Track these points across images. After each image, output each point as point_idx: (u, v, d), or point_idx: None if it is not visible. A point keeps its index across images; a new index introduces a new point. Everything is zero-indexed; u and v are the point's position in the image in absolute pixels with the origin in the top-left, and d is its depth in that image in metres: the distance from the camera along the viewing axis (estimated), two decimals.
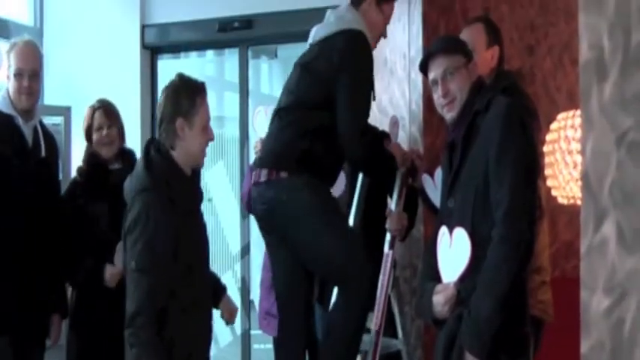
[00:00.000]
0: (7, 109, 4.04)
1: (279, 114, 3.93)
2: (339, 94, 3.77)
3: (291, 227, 3.79)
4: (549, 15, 5.32)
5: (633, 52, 2.06)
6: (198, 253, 3.48)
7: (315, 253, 3.79)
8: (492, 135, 3.07)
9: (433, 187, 3.89)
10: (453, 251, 3.03)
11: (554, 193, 4.40)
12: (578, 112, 3.88)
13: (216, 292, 3.74)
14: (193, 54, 7.53)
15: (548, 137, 4.33)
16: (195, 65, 7.76)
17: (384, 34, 4.05)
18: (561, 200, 4.41)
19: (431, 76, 3.33)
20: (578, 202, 3.77)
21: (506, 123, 3.08)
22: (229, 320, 3.83)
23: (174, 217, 3.30)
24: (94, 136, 4.25)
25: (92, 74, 6.59)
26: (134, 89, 6.58)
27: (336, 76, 3.78)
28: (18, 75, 4.04)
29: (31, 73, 4.06)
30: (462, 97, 3.25)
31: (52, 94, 6.65)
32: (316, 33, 3.95)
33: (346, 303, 3.73)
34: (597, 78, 2.14)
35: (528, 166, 3.10)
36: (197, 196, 3.55)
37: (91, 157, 4.26)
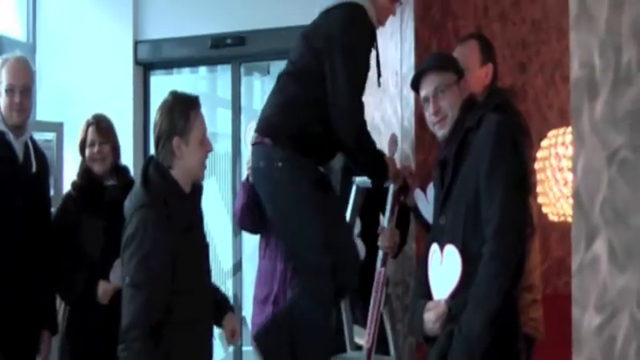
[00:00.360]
0: None
1: (279, 79, 3.96)
2: (332, 66, 3.69)
3: (265, 197, 3.86)
4: (541, 33, 5.34)
5: (624, 70, 2.07)
6: (197, 270, 3.47)
7: (281, 233, 3.89)
8: (483, 152, 3.08)
9: (425, 202, 3.89)
10: (444, 268, 3.03)
11: (545, 210, 4.40)
12: (569, 129, 3.89)
13: (220, 309, 3.70)
14: (186, 70, 7.53)
15: (539, 154, 4.34)
16: (187, 81, 7.75)
17: (382, 22, 3.98)
18: (552, 217, 4.42)
19: (422, 93, 3.35)
20: (569, 219, 3.78)
21: (497, 140, 3.09)
22: (230, 340, 3.80)
23: (171, 234, 3.29)
24: (87, 152, 4.25)
25: (85, 90, 6.58)
26: (127, 105, 6.58)
27: (330, 47, 3.71)
28: (9, 91, 4.03)
29: (22, 89, 4.06)
30: (453, 115, 3.26)
31: (44, 110, 6.64)
32: (321, 3, 3.92)
33: (303, 292, 3.79)
34: (588, 96, 2.15)
35: (519, 183, 3.10)
36: (197, 213, 3.54)
37: (85, 172, 4.25)
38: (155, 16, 6.70)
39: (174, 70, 7.31)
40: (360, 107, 3.75)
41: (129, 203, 3.40)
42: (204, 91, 8.07)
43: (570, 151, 3.92)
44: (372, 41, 3.85)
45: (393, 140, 4.20)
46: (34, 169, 4.14)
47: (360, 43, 3.79)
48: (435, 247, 3.11)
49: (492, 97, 3.60)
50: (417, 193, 3.96)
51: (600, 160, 2.11)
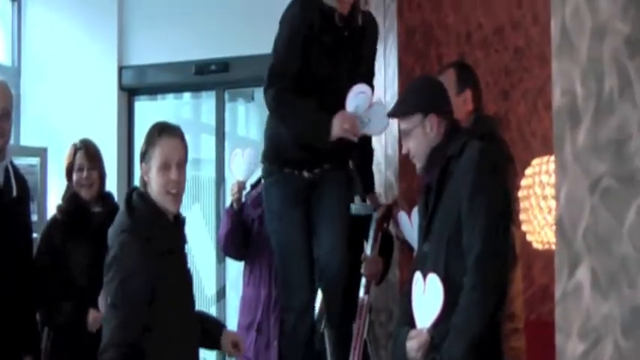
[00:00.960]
0: None
1: None
2: None
3: None
4: (524, 60, 5.38)
5: (606, 98, 2.09)
6: (179, 293, 3.46)
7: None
8: (465, 180, 3.09)
9: (409, 226, 3.90)
10: (427, 297, 3.02)
11: (529, 238, 4.41)
12: (553, 157, 3.91)
13: (215, 331, 3.65)
14: (170, 96, 7.52)
15: (523, 182, 4.35)
16: (171, 107, 7.75)
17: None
18: (536, 245, 4.43)
19: None
20: (553, 247, 3.78)
21: (478, 168, 3.09)
22: (237, 352, 3.74)
23: (151, 258, 3.28)
24: (75, 176, 4.23)
25: (69, 115, 6.57)
26: (111, 131, 6.57)
27: None
28: None
29: (1, 112, 4.02)
30: (421, 153, 3.28)
31: (28, 135, 6.63)
32: None
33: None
34: (570, 124, 2.16)
35: (500, 211, 3.11)
36: (179, 238, 3.53)
37: (72, 197, 4.23)
38: (140, 42, 6.71)
39: (159, 96, 7.30)
40: (273, 76, 3.92)
41: (112, 229, 3.40)
42: (189, 117, 8.06)
43: (554, 178, 3.94)
44: (308, 23, 3.91)
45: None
46: (14, 193, 4.11)
47: (285, 23, 3.96)
48: (418, 275, 3.10)
49: (478, 126, 3.61)
50: (401, 216, 3.96)
51: (583, 188, 2.12)
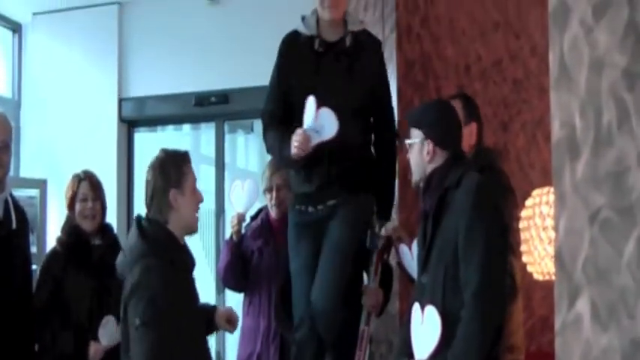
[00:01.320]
0: None
1: None
2: None
3: None
4: (522, 92, 5.41)
5: (605, 131, 2.10)
6: (197, 317, 3.51)
7: None
8: (462, 212, 3.09)
9: (410, 258, 3.89)
10: (425, 328, 3.01)
11: (529, 269, 4.41)
12: (553, 188, 3.92)
13: (207, 317, 3.71)
14: (170, 127, 7.55)
15: (523, 213, 4.36)
16: (171, 139, 7.76)
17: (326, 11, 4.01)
18: (537, 276, 4.42)
19: None
20: (554, 278, 3.78)
21: (475, 200, 3.09)
22: (231, 327, 3.78)
23: (175, 277, 3.32)
24: (77, 207, 4.20)
25: (69, 147, 6.60)
26: (111, 162, 6.59)
27: None
28: None
29: (1, 144, 4.02)
30: (415, 170, 3.30)
31: (28, 167, 6.65)
32: None
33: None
34: (569, 156, 2.17)
35: (497, 245, 3.10)
36: (191, 262, 3.56)
37: (72, 229, 4.20)
38: (140, 74, 6.75)
39: (159, 128, 7.33)
40: (265, 105, 4.12)
41: (122, 260, 3.41)
42: (188, 149, 8.08)
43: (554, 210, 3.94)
44: (288, 50, 4.08)
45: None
46: (14, 225, 4.10)
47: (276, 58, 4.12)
48: (416, 306, 3.10)
49: (479, 158, 3.61)
50: (402, 249, 3.96)
51: (582, 219, 2.12)
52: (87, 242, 4.18)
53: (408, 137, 3.35)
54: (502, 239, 3.17)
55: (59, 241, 4.22)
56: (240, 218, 4.47)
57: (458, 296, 3.05)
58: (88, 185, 4.23)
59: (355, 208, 3.96)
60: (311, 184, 3.96)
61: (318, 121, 3.82)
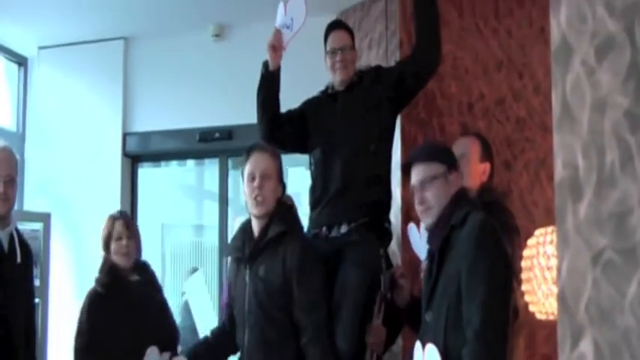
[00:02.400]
0: None
1: None
2: None
3: None
4: (526, 130, 5.41)
5: (607, 171, 2.10)
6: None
7: None
8: (466, 251, 3.08)
9: (418, 238, 3.91)
10: None
11: (532, 308, 4.38)
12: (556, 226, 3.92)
13: None
14: (174, 163, 7.57)
15: (526, 253, 4.33)
16: (175, 174, 7.80)
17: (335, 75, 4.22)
18: (540, 316, 4.39)
19: (411, 182, 3.37)
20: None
21: (478, 240, 3.08)
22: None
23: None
24: (114, 246, 4.23)
25: (73, 180, 6.61)
26: (114, 197, 6.58)
27: None
28: None
29: (6, 178, 4.04)
30: (439, 206, 3.26)
31: (32, 200, 6.66)
32: None
33: None
34: (572, 197, 2.17)
35: (500, 283, 3.08)
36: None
37: (110, 268, 4.23)
38: (144, 109, 6.77)
39: (162, 163, 7.35)
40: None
41: None
42: (192, 184, 8.10)
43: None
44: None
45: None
46: (18, 260, 4.11)
47: None
48: (418, 344, 3.09)
49: (483, 195, 3.62)
50: (411, 229, 3.98)
51: (584, 260, 2.12)
52: (125, 279, 4.20)
53: (420, 174, 3.33)
54: (505, 278, 3.15)
55: (99, 281, 4.23)
56: None
57: (460, 334, 3.04)
58: (122, 224, 4.26)
59: (365, 250, 3.98)
60: (319, 207, 4.07)
61: (288, 14, 3.96)
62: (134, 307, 4.09)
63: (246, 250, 3.86)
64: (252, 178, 3.82)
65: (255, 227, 3.87)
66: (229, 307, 4.07)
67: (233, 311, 3.96)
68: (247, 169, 3.85)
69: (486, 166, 4.02)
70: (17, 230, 4.18)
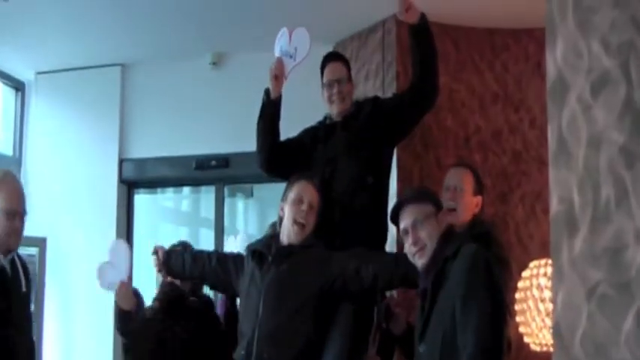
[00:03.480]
0: None
1: None
2: None
3: None
4: (522, 164, 5.43)
5: (603, 207, 2.11)
6: None
7: None
8: (459, 281, 3.10)
9: None
10: None
11: (526, 339, 4.40)
12: (550, 260, 3.93)
13: None
14: (170, 190, 7.57)
15: (520, 285, 4.36)
16: (171, 201, 7.78)
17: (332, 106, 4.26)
18: (534, 347, 4.41)
19: (402, 225, 3.39)
20: (551, 349, 3.77)
21: (472, 269, 3.11)
22: None
23: None
24: None
25: (69, 206, 6.60)
26: (110, 223, 6.57)
27: None
28: (10, 215, 3.94)
29: (17, 213, 3.98)
30: (432, 245, 3.29)
31: (27, 225, 6.63)
32: None
33: None
34: (567, 232, 2.18)
35: (493, 311, 3.10)
36: None
37: (169, 285, 4.29)
38: (141, 135, 6.77)
39: (159, 190, 7.35)
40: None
41: None
42: (188, 211, 8.10)
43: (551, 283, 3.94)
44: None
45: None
46: (23, 288, 4.03)
47: None
48: None
49: (474, 227, 3.64)
50: None
51: (579, 294, 2.13)
52: (183, 298, 4.29)
53: (413, 214, 3.36)
54: (498, 305, 3.17)
55: (158, 299, 4.31)
56: None
57: None
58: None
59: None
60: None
61: (292, 44, 3.96)
62: (189, 325, 4.20)
63: (272, 249, 3.93)
64: (299, 202, 3.90)
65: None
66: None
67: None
68: (294, 193, 3.93)
69: (479, 199, 4.04)
70: (19, 255, 4.15)
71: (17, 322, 3.94)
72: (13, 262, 4.02)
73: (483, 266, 3.14)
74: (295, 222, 3.85)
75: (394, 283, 3.82)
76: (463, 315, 3.05)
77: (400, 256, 3.61)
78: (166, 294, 4.29)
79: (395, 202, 3.53)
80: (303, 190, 3.90)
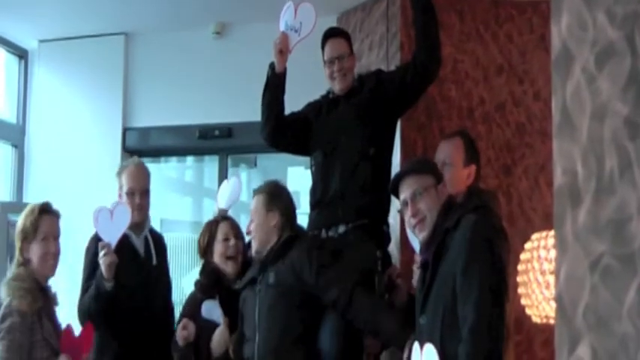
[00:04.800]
0: None
1: None
2: None
3: None
4: (526, 136, 5.42)
5: (606, 178, 2.11)
6: None
7: None
8: (460, 252, 3.11)
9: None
10: None
11: (528, 311, 4.40)
12: (552, 232, 3.92)
13: None
14: (173, 159, 7.56)
15: (522, 256, 4.35)
16: (175, 170, 7.77)
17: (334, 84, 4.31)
18: (536, 319, 4.41)
19: (401, 197, 3.39)
20: (552, 322, 3.77)
21: (472, 241, 3.11)
22: None
23: None
24: (220, 248, 4.25)
25: (72, 174, 6.60)
26: (114, 191, 6.56)
27: None
28: (130, 194, 4.37)
29: (142, 191, 4.38)
30: (431, 217, 3.29)
31: (32, 192, 6.65)
32: None
33: None
34: (571, 204, 2.18)
35: (494, 283, 3.11)
36: None
37: (211, 272, 4.24)
38: (144, 105, 6.76)
39: (162, 159, 7.34)
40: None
41: None
42: (191, 181, 8.09)
43: (552, 254, 3.94)
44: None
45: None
46: (154, 261, 4.37)
47: None
48: (416, 345, 3.10)
49: (472, 198, 3.60)
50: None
51: (583, 267, 2.13)
52: (228, 287, 4.19)
53: (413, 186, 3.35)
54: (498, 276, 3.17)
55: (198, 285, 4.28)
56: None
57: (456, 333, 3.06)
58: (228, 225, 4.32)
59: (358, 250, 3.99)
60: (320, 218, 4.13)
61: (297, 18, 3.98)
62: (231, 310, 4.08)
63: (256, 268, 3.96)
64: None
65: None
66: None
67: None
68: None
69: (471, 169, 3.78)
70: (151, 231, 4.47)
71: (148, 294, 4.27)
72: (146, 241, 4.37)
73: (484, 237, 3.16)
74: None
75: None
76: (464, 287, 3.07)
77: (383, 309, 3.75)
78: (209, 280, 4.26)
79: (395, 174, 3.53)
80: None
